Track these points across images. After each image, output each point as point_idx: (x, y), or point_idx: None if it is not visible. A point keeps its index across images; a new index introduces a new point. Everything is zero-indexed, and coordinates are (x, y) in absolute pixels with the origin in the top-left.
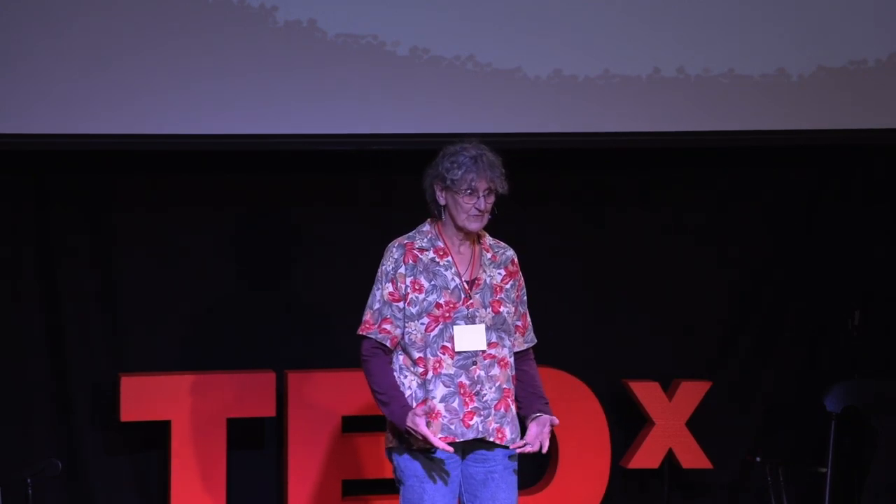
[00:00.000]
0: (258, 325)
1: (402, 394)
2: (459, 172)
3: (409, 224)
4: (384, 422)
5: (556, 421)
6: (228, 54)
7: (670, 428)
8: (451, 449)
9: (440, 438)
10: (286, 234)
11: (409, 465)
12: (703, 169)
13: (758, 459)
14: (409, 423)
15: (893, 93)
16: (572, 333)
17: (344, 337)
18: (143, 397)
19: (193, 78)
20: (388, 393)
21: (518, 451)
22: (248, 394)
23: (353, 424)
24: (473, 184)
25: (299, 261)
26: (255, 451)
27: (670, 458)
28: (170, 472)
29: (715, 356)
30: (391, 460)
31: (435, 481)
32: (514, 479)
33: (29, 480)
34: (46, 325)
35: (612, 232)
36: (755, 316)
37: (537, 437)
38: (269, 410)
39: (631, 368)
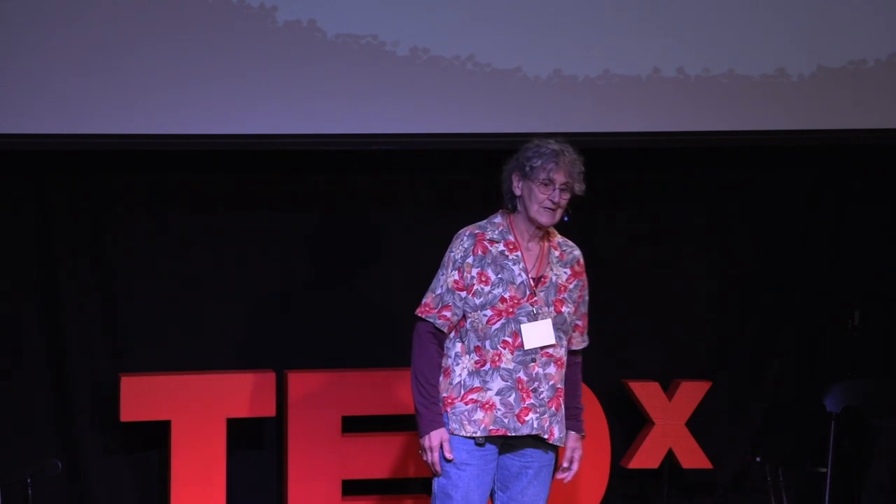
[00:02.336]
0: (258, 325)
1: (439, 403)
2: (540, 161)
3: (407, 224)
4: (384, 422)
5: (579, 453)
6: (228, 54)
7: (670, 428)
8: (438, 473)
9: (492, 430)
10: (285, 233)
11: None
12: (702, 169)
13: (758, 459)
14: (433, 442)
15: (893, 93)
16: None
17: (344, 337)
18: (143, 397)
19: (193, 78)
20: (430, 391)
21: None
22: (248, 394)
23: (353, 424)
24: (552, 174)
25: (299, 261)
26: (255, 451)
27: (670, 458)
28: (170, 472)
29: (715, 356)
30: None
31: (472, 470)
32: (548, 479)
33: (29, 480)
34: (46, 326)
35: (611, 231)
36: (755, 316)
37: (568, 461)
38: (269, 410)
39: (631, 368)
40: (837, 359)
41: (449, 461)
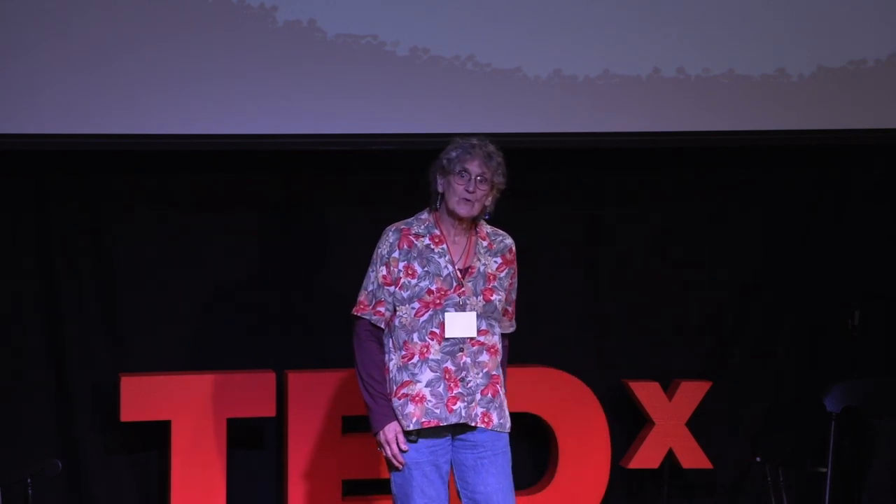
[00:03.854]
0: (258, 325)
1: (388, 398)
2: (455, 153)
3: None
4: None
5: None
6: (228, 54)
7: (670, 428)
8: (401, 464)
9: (424, 423)
10: (285, 233)
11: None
12: (702, 169)
13: (758, 459)
14: (388, 435)
15: (893, 93)
16: (572, 333)
17: (344, 337)
18: (143, 397)
19: (193, 78)
20: (376, 387)
21: None
22: (248, 394)
23: (353, 424)
24: (466, 165)
25: (298, 260)
26: (255, 451)
27: (670, 458)
28: (170, 472)
29: (715, 356)
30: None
31: (424, 468)
32: (505, 463)
33: (29, 480)
34: (46, 326)
35: (611, 231)
36: (755, 316)
37: None
38: (269, 410)
39: (631, 368)
40: (837, 359)
41: (404, 452)
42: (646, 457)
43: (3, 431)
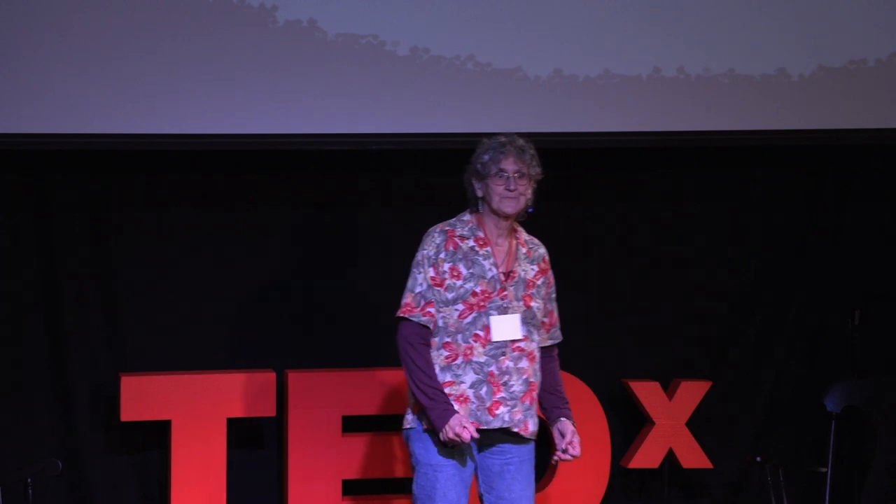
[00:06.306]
0: (258, 325)
1: (445, 394)
2: (488, 156)
3: (407, 223)
4: (384, 422)
5: (578, 438)
6: (228, 54)
7: (670, 428)
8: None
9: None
10: (285, 234)
11: (425, 453)
12: (702, 169)
13: (758, 459)
14: (453, 430)
15: (893, 93)
16: (572, 333)
17: (344, 337)
18: (143, 397)
19: (193, 78)
20: (433, 390)
21: (557, 459)
22: (248, 394)
23: (353, 424)
24: (501, 165)
25: (299, 260)
26: (255, 451)
27: (670, 458)
28: (170, 472)
29: (715, 356)
30: (407, 442)
31: (449, 470)
32: (531, 471)
33: (29, 480)
34: (46, 325)
35: (612, 231)
36: (755, 316)
37: (569, 443)
38: (269, 410)
39: (631, 368)
40: (837, 359)
41: (476, 438)
42: (646, 457)
43: (3, 431)
